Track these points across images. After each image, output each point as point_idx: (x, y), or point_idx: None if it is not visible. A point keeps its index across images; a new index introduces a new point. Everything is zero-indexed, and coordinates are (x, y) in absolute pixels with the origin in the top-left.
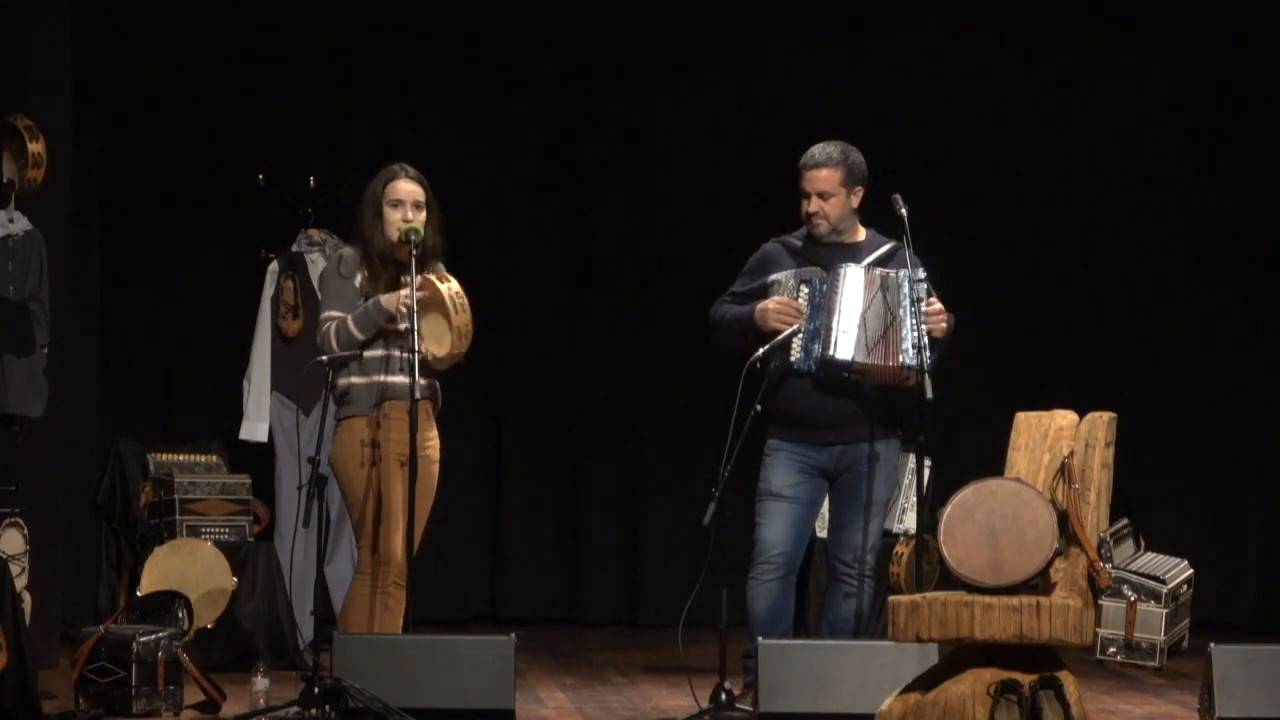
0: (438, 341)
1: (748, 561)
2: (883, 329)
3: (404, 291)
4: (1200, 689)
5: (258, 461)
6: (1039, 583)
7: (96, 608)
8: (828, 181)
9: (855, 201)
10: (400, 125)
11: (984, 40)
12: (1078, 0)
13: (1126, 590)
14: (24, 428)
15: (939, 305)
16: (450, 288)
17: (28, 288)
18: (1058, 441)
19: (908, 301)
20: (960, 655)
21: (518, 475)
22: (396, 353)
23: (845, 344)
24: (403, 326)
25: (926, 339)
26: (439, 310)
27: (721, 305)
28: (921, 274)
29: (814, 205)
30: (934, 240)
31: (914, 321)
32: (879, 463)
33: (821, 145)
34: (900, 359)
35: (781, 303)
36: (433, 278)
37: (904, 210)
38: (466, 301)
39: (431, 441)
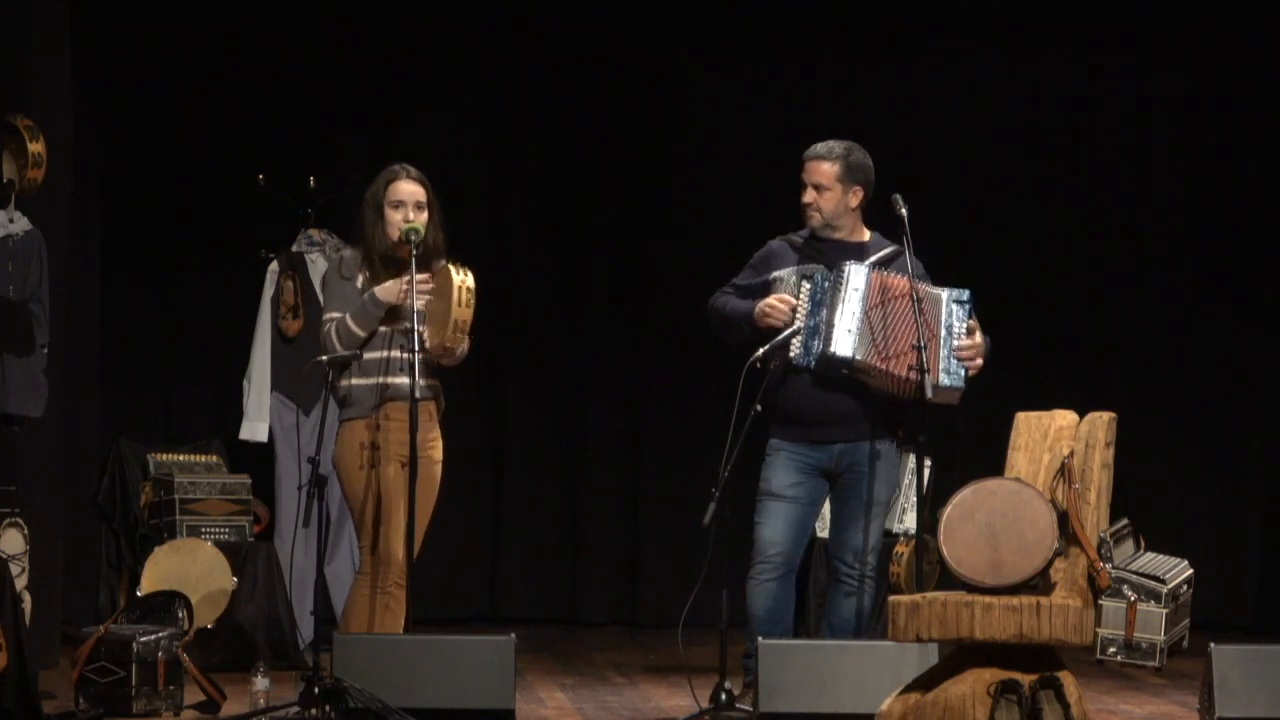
0: (433, 331)
1: (748, 561)
2: (890, 334)
3: (404, 278)
4: (1200, 689)
5: (258, 461)
6: (1039, 583)
7: (96, 608)
8: (825, 174)
9: (853, 201)
10: (400, 125)
11: (989, 43)
12: (1079, 5)
13: (1126, 590)
14: (24, 428)
15: (974, 341)
16: (464, 281)
17: (28, 288)
18: (1058, 441)
19: (954, 321)
20: (960, 655)
21: (518, 476)
22: (397, 353)
23: (845, 341)
24: (404, 326)
25: (956, 366)
26: (444, 299)
27: (722, 295)
28: (966, 295)
29: (808, 196)
30: (935, 241)
31: (956, 340)
32: (880, 462)
33: (828, 140)
34: (906, 372)
35: (779, 297)
36: (451, 268)
37: (904, 210)
38: (473, 299)
39: (435, 442)
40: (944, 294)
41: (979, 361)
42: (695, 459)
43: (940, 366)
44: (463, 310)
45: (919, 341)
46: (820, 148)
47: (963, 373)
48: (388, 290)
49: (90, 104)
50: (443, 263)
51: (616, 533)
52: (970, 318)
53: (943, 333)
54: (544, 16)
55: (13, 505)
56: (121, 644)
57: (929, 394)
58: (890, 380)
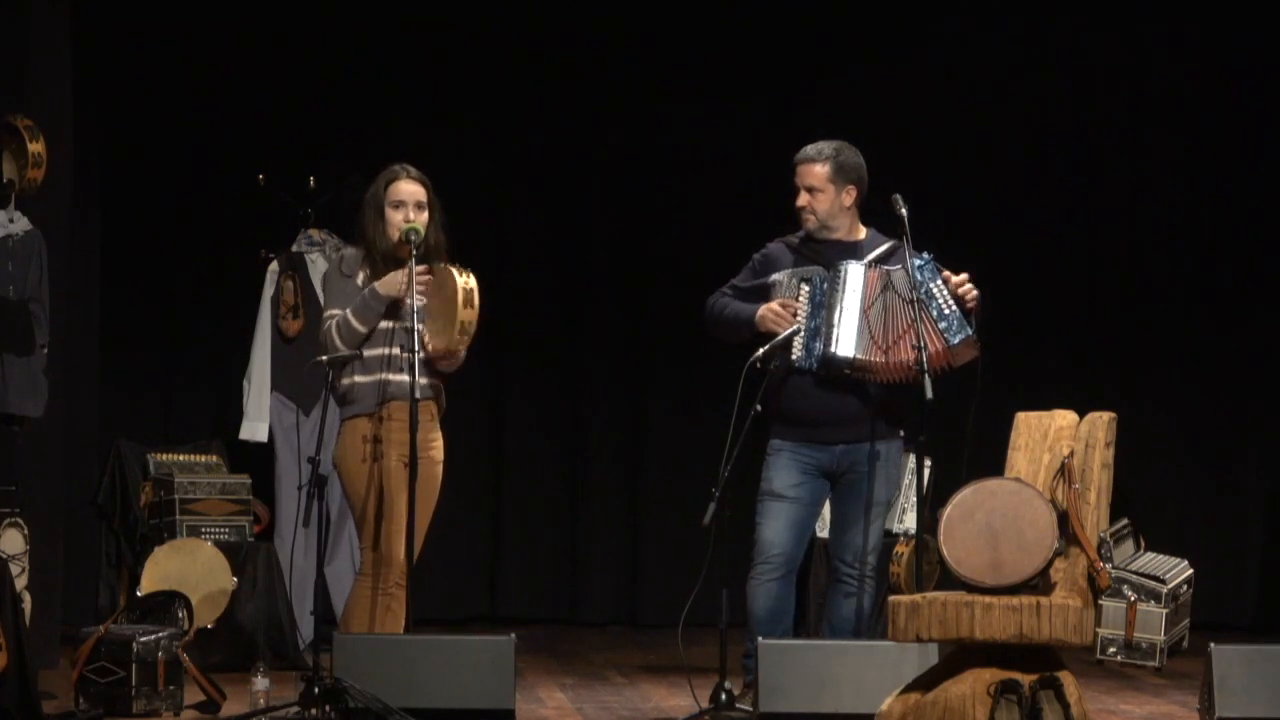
0: (438, 333)
1: (748, 561)
2: (888, 326)
3: (402, 273)
4: (1200, 689)
5: (258, 461)
6: (1039, 583)
7: (96, 608)
8: (816, 176)
9: (847, 200)
10: (400, 125)
11: (985, 41)
12: (1076, 6)
13: (1126, 590)
14: (24, 428)
15: (961, 276)
16: (467, 282)
17: (28, 288)
18: (1058, 441)
19: (930, 284)
20: (960, 655)
21: (518, 476)
22: (398, 351)
23: (846, 341)
24: (405, 325)
25: (958, 312)
26: (447, 301)
27: (721, 297)
28: (925, 258)
29: (802, 199)
30: (935, 240)
31: (942, 299)
32: (881, 463)
33: (818, 142)
34: (908, 354)
35: (783, 302)
36: (452, 269)
37: (904, 210)
38: (478, 300)
39: (435, 442)
40: (910, 266)
41: (973, 289)
42: (695, 459)
43: (940, 329)
44: (468, 312)
45: (918, 342)
46: (810, 150)
47: (966, 319)
48: (388, 284)
49: (90, 104)
50: (442, 264)
51: (616, 533)
52: (941, 270)
53: (926, 298)
54: (544, 17)
55: (13, 505)
56: (121, 644)
57: (928, 394)
58: (894, 370)
